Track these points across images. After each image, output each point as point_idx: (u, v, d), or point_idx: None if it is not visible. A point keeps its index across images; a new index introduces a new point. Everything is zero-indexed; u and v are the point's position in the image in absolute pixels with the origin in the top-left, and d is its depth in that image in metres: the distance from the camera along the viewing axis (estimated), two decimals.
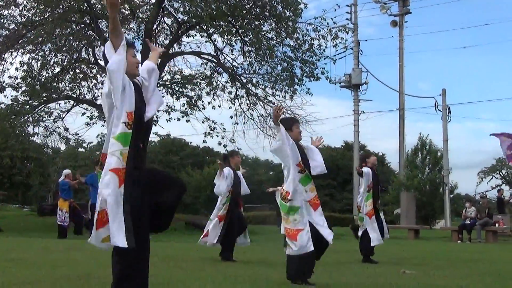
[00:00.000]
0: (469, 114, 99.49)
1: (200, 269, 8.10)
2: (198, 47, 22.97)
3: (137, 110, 4.30)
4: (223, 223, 9.76)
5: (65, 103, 23.39)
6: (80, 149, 37.31)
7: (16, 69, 21.33)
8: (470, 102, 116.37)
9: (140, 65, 4.66)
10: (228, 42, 22.08)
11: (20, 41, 21.26)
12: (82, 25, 21.15)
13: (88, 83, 22.51)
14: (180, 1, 21.20)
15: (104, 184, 4.14)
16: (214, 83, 22.59)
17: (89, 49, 22.39)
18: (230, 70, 22.76)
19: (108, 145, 4.25)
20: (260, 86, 22.86)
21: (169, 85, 22.53)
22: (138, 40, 22.40)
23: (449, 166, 29.88)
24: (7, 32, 21.33)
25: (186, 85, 22.31)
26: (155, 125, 22.71)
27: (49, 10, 20.42)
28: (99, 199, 4.18)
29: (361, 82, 31.27)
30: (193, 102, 22.30)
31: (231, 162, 10.09)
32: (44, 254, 10.02)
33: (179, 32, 22.23)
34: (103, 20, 20.96)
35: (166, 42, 22.74)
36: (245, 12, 21.13)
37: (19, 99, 21.34)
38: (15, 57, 21.76)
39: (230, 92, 22.80)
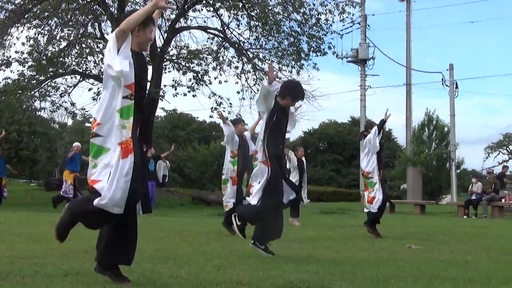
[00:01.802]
0: (477, 89, 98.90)
1: (206, 243, 8.14)
2: (205, 21, 22.91)
3: (137, 82, 4.26)
4: (237, 186, 9.73)
5: (71, 78, 23.44)
6: (87, 124, 37.39)
7: (23, 43, 21.35)
8: (477, 77, 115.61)
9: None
10: (235, 16, 21.97)
11: (26, 16, 21.21)
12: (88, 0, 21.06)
13: (95, 58, 22.42)
14: None
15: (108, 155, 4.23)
16: (221, 58, 22.55)
17: (95, 23, 22.32)
18: (236, 45, 22.67)
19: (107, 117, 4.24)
20: (266, 61, 22.80)
21: (175, 60, 22.47)
22: None
23: (455, 142, 29.79)
24: (13, 6, 21.26)
25: (193, 60, 22.26)
26: (161, 100, 22.69)
27: None
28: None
29: (368, 57, 30.98)
30: (200, 77, 22.25)
31: (235, 130, 10.06)
32: (52, 228, 10.07)
33: (186, 6, 22.11)
34: None
35: (173, 16, 22.64)
36: None
37: (26, 74, 21.37)
38: (21, 31, 21.78)
39: (236, 67, 22.78)
